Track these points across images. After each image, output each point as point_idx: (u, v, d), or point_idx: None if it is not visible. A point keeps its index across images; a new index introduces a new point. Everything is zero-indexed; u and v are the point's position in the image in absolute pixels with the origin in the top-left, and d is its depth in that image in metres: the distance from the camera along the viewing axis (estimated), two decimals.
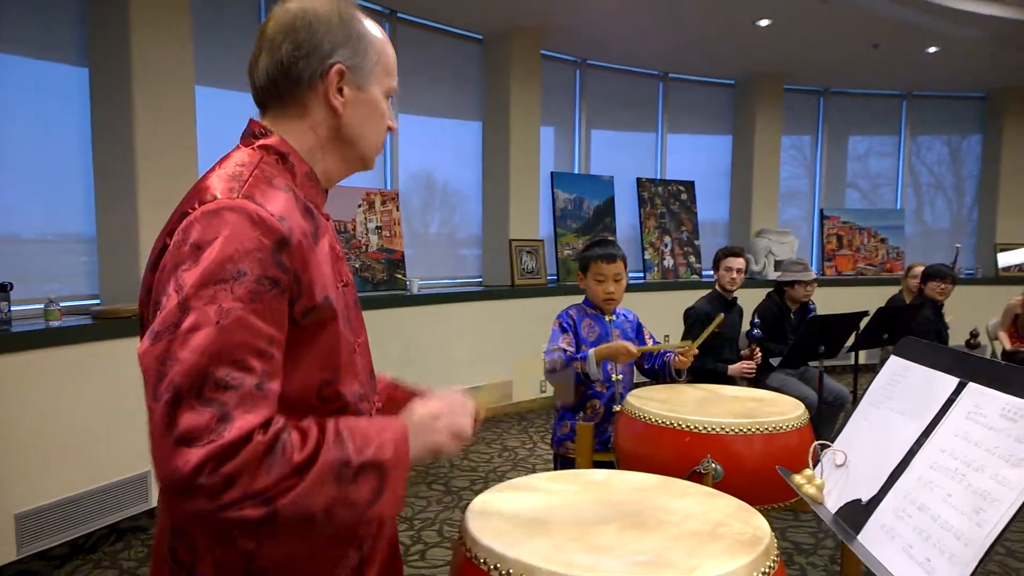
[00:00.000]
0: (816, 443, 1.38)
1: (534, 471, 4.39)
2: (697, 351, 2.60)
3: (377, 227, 5.18)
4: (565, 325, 2.60)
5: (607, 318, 2.66)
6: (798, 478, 1.35)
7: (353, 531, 1.12)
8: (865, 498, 1.20)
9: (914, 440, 1.18)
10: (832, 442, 1.41)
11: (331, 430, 1.00)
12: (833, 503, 1.27)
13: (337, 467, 0.97)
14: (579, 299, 2.77)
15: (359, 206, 5.10)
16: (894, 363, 1.38)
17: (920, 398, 1.24)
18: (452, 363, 5.26)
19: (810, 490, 1.31)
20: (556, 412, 2.70)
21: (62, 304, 3.34)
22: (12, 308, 3.16)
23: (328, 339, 1.07)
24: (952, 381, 1.18)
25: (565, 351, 2.50)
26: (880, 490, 1.18)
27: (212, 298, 0.93)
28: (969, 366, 1.17)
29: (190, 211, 1.00)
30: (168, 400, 0.90)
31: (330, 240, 1.14)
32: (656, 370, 2.71)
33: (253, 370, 0.94)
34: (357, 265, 4.99)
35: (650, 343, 2.75)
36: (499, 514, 1.28)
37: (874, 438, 1.29)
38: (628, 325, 2.72)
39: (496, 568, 1.12)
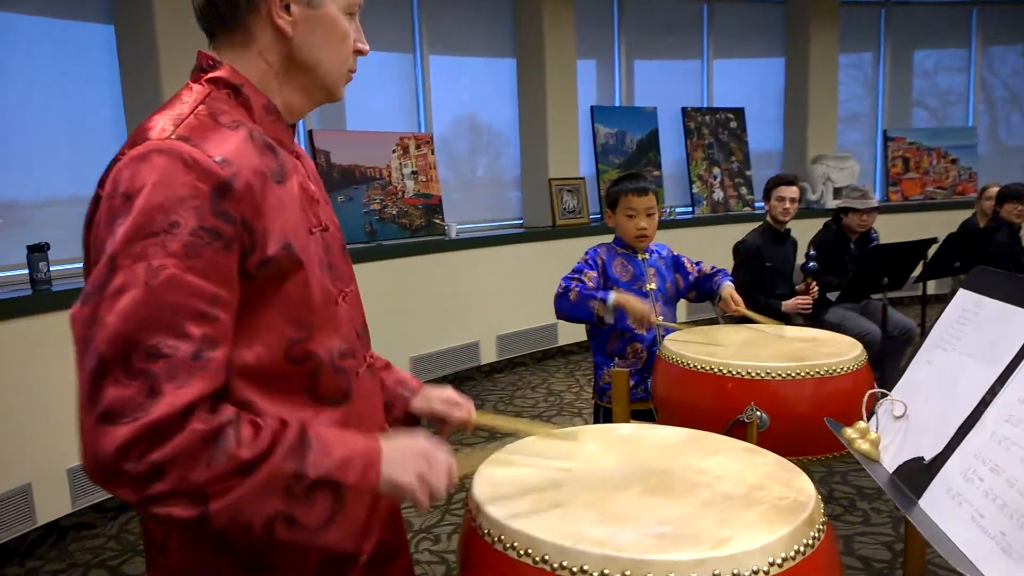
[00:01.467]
0: (871, 391, 1.21)
1: (580, 415, 4.28)
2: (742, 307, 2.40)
3: (413, 172, 5.04)
4: (592, 262, 2.42)
5: (640, 257, 2.48)
6: (850, 432, 1.18)
7: (296, 553, 0.98)
8: (928, 456, 1.03)
9: (987, 388, 1.01)
10: (891, 388, 1.23)
11: (292, 432, 0.88)
12: (890, 461, 1.11)
13: (289, 477, 0.85)
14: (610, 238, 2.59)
15: (393, 151, 4.96)
16: (964, 297, 1.19)
17: (995, 338, 1.05)
18: (493, 308, 5.16)
19: (863, 446, 1.14)
20: (593, 363, 2.55)
21: None
22: (51, 268, 3.17)
23: (294, 291, 0.94)
24: None
25: (582, 283, 2.32)
26: (946, 447, 1.01)
27: (141, 255, 0.81)
28: None
29: (120, 157, 0.87)
30: (91, 371, 0.80)
31: (300, 180, 1.01)
32: (706, 294, 2.53)
33: (189, 336, 0.82)
34: (394, 212, 4.88)
35: (692, 270, 2.56)
36: (509, 477, 1.15)
37: (939, 385, 1.11)
38: (663, 262, 2.54)
39: (500, 540, 0.99)
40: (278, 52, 0.98)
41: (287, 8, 0.96)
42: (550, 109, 5.62)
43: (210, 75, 0.97)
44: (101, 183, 0.89)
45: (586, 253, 2.46)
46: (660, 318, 2.38)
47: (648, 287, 2.44)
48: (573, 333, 5.65)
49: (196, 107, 0.92)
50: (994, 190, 5.02)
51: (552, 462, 1.21)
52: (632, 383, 2.31)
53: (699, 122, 6.67)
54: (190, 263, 0.83)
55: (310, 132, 4.52)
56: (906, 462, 1.07)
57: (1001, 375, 0.99)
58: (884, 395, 1.20)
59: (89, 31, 3.61)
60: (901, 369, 1.24)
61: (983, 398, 1.00)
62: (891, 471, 1.09)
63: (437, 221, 5.08)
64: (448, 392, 1.27)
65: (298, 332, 0.95)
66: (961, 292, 1.20)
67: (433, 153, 5.14)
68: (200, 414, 0.82)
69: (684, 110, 6.62)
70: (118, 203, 0.84)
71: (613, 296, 2.25)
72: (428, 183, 5.10)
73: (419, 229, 4.99)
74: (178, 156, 0.85)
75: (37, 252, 3.11)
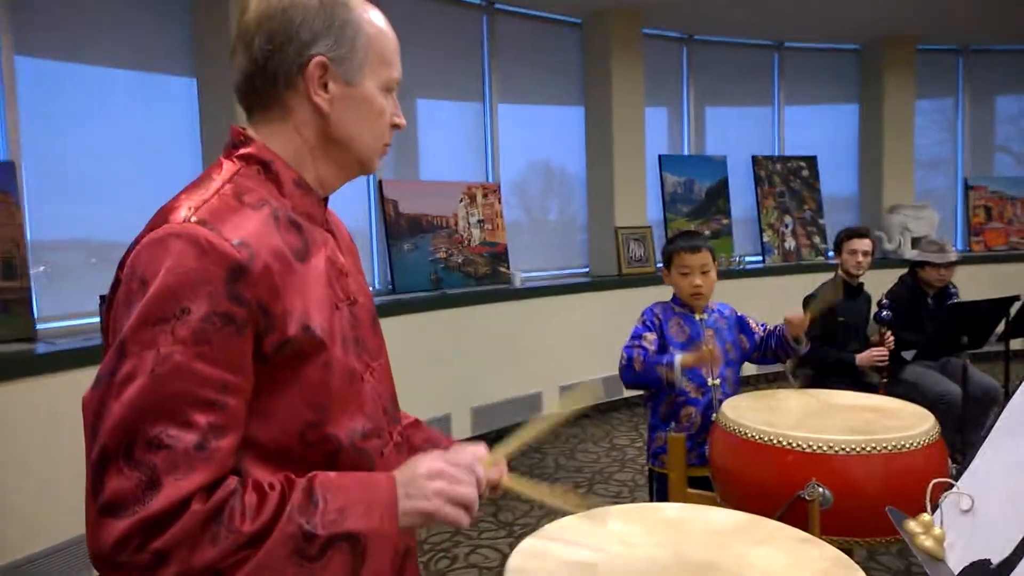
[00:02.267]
0: (935, 480, 1.15)
1: (641, 473, 4.18)
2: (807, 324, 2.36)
3: (479, 221, 5.10)
4: (649, 323, 2.40)
5: (697, 316, 2.43)
6: (913, 525, 1.12)
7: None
8: (996, 559, 0.96)
9: None
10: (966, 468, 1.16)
11: (299, 491, 0.86)
12: (956, 561, 1.04)
13: (299, 540, 0.83)
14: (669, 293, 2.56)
15: (460, 200, 5.04)
16: None
17: None
18: (556, 358, 5.13)
19: (927, 542, 1.08)
20: (648, 425, 2.50)
21: None
22: None
23: (313, 373, 0.93)
24: None
25: (644, 349, 2.30)
26: (1016, 551, 0.94)
27: (150, 342, 0.81)
28: None
29: (140, 240, 0.89)
30: (96, 460, 0.80)
31: (329, 254, 1.01)
32: (773, 350, 2.47)
33: (194, 425, 0.82)
34: (460, 260, 4.94)
35: (758, 329, 2.50)
36: (543, 558, 1.13)
37: (1009, 479, 1.05)
38: (724, 323, 2.48)
39: None
40: (315, 128, 1.00)
41: (325, 86, 0.98)
42: (617, 158, 5.63)
43: (241, 151, 0.99)
44: (121, 266, 0.90)
45: (643, 314, 2.44)
46: (718, 380, 2.33)
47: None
48: None
49: (222, 186, 0.93)
50: None
51: (588, 549, 1.17)
52: (688, 448, 2.25)
53: (770, 170, 6.58)
54: (199, 350, 0.82)
55: (379, 182, 4.63)
56: (972, 564, 1.00)
57: None
58: (950, 485, 1.13)
59: (172, 83, 3.81)
60: (988, 428, 1.17)
61: None
62: (956, 572, 1.02)
63: (502, 269, 5.11)
64: (480, 451, 1.24)
65: (316, 415, 0.94)
66: None
67: (500, 202, 5.21)
68: (199, 496, 0.81)
69: (754, 158, 6.53)
70: (134, 287, 0.85)
71: (678, 361, 2.25)
72: (494, 231, 5.15)
73: (484, 277, 5.04)
74: (194, 240, 0.85)
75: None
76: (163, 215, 0.90)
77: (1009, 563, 0.94)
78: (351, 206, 4.60)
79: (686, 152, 6.42)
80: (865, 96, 6.95)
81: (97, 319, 3.24)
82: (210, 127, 3.81)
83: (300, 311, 0.91)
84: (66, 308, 3.36)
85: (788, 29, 6.45)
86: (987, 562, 0.97)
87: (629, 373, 2.32)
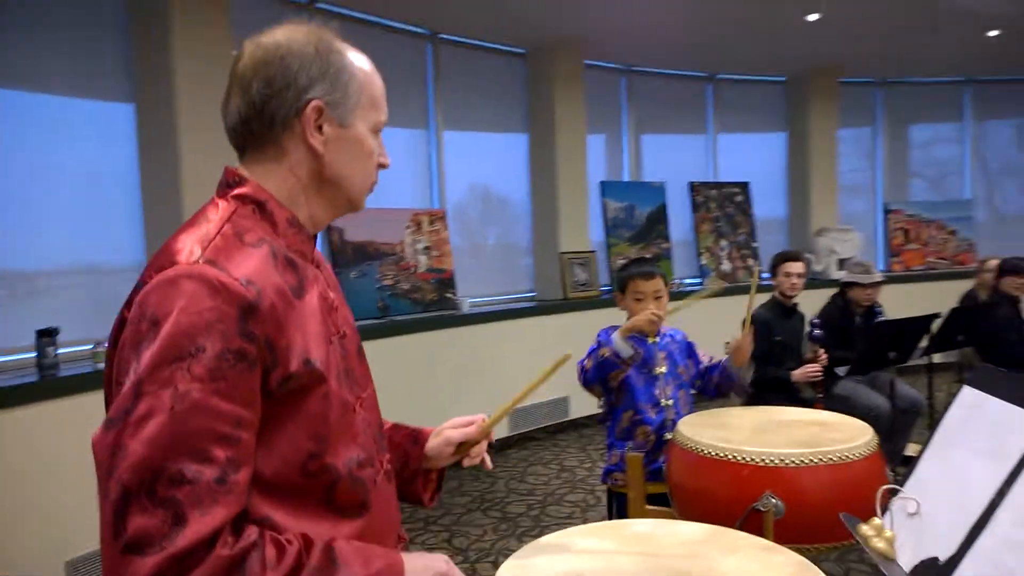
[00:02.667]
0: (884, 487, 1.25)
1: (592, 493, 4.27)
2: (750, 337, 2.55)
3: (426, 248, 5.15)
4: (604, 343, 2.49)
5: (650, 340, 2.53)
6: (865, 529, 1.22)
7: None
8: (943, 557, 1.07)
9: (995, 489, 1.05)
10: (916, 450, 1.28)
11: (317, 551, 0.90)
12: (906, 560, 1.14)
13: None
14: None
15: (407, 227, 5.08)
16: (968, 395, 1.24)
17: (1001, 438, 1.10)
18: (505, 381, 5.18)
19: (879, 544, 1.18)
20: (606, 444, 2.59)
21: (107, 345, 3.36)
22: (59, 352, 3.17)
23: (313, 406, 0.96)
24: None
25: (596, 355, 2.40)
26: (960, 548, 1.05)
27: (167, 380, 0.83)
28: None
29: (148, 280, 0.90)
30: (116, 499, 0.81)
31: (320, 290, 1.05)
32: (718, 384, 2.59)
33: (214, 460, 0.84)
34: (407, 287, 4.97)
35: (704, 359, 2.63)
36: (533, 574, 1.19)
37: (949, 484, 1.16)
38: (675, 347, 2.59)
39: None
40: (308, 168, 1.04)
41: (320, 128, 1.02)
42: (561, 183, 5.76)
43: (236, 192, 1.02)
44: (128, 305, 0.92)
45: (598, 335, 2.53)
46: (671, 401, 2.45)
47: (658, 370, 2.50)
48: (585, 406, 5.67)
49: (222, 226, 0.96)
50: (993, 263, 5.10)
51: (572, 561, 1.24)
52: (645, 467, 2.34)
53: (706, 196, 6.83)
54: (215, 386, 0.85)
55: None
56: (922, 562, 1.10)
57: (1008, 477, 1.04)
58: (896, 491, 1.24)
59: (110, 110, 3.73)
60: (921, 440, 1.28)
61: (992, 500, 1.04)
62: (908, 570, 1.12)
63: (449, 296, 5.17)
64: (454, 420, 1.30)
65: (316, 446, 0.97)
66: (965, 389, 1.26)
67: (446, 228, 5.27)
68: (224, 539, 0.83)
69: (692, 184, 6.78)
70: (144, 328, 0.86)
71: (616, 335, 2.35)
72: (441, 258, 5.21)
73: (431, 304, 5.08)
74: (205, 281, 0.87)
75: (46, 336, 3.09)
76: (167, 255, 0.92)
77: (954, 560, 1.05)
78: None
79: (626, 178, 6.62)
80: (792, 125, 7.31)
81: (32, 355, 3.17)
82: (149, 153, 3.75)
83: (301, 346, 0.95)
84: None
85: (720, 61, 6.75)
86: (935, 560, 1.08)
87: (585, 375, 2.42)
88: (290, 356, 0.93)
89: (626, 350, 2.33)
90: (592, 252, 5.97)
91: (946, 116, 7.83)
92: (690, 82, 6.97)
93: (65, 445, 3.02)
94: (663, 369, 2.50)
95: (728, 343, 2.68)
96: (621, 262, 6.13)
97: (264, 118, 1.01)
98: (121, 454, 0.82)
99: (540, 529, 3.81)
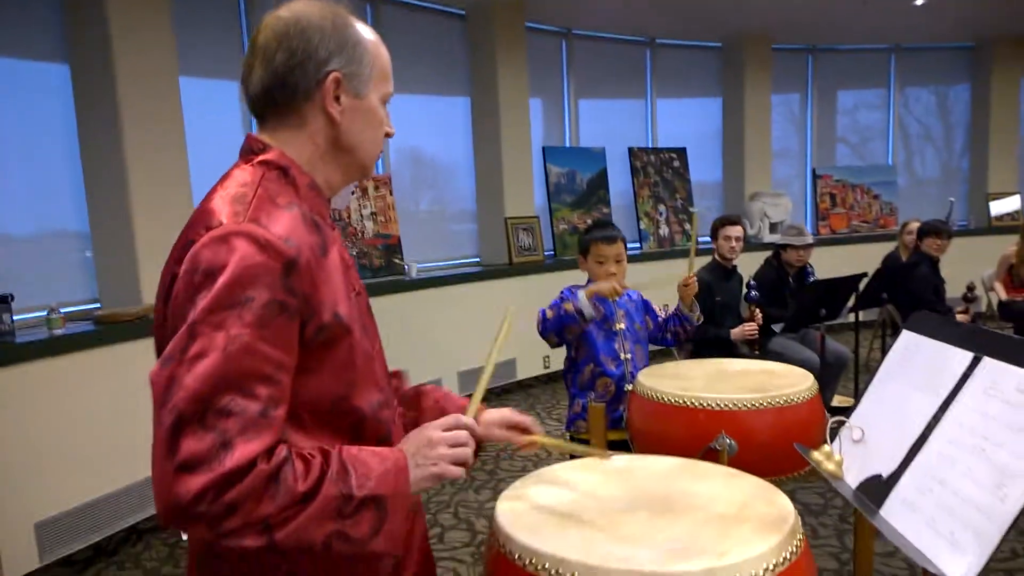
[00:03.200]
0: (834, 419, 1.41)
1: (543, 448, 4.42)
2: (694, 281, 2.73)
3: (372, 213, 5.16)
4: (567, 297, 2.61)
5: (610, 300, 2.66)
6: (817, 455, 1.38)
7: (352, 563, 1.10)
8: (885, 473, 1.23)
9: (931, 415, 1.21)
10: (841, 402, 1.44)
11: (335, 461, 1.00)
12: (853, 478, 1.30)
13: (339, 500, 0.97)
14: (575, 276, 2.79)
15: (352, 193, 5.08)
16: (906, 338, 1.40)
17: (935, 373, 1.26)
18: (454, 345, 5.29)
19: (829, 466, 1.34)
20: (568, 394, 2.73)
21: (62, 310, 3.33)
22: (14, 318, 3.14)
23: (342, 354, 1.06)
24: (967, 356, 1.21)
25: (560, 308, 2.51)
26: (900, 465, 1.21)
27: (220, 324, 0.92)
28: (983, 340, 1.20)
29: (196, 238, 0.99)
30: (170, 425, 0.90)
31: (339, 250, 1.13)
32: (672, 331, 2.76)
33: (258, 397, 0.93)
34: (355, 253, 4.99)
35: (661, 312, 2.78)
36: (527, 509, 1.30)
37: (891, 413, 1.32)
38: (632, 305, 2.74)
39: (531, 563, 1.14)
40: (326, 136, 1.11)
41: (337, 99, 1.10)
42: (505, 148, 5.81)
43: (261, 158, 1.09)
44: (176, 260, 1.00)
45: (562, 291, 2.64)
46: (629, 355, 2.59)
47: (617, 327, 2.64)
48: (532, 367, 5.83)
49: (256, 190, 1.03)
50: (914, 226, 5.43)
51: (563, 492, 1.36)
52: (607, 416, 2.49)
53: (645, 161, 7.00)
54: (262, 332, 0.94)
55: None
56: (867, 479, 1.26)
57: (943, 404, 1.20)
58: (843, 422, 1.40)
59: (43, 70, 3.62)
60: (853, 392, 1.44)
61: (928, 423, 1.20)
62: (854, 487, 1.28)
63: (396, 261, 5.21)
64: (507, 416, 1.36)
65: (344, 390, 1.07)
66: (905, 333, 1.42)
67: (392, 194, 5.29)
68: (262, 457, 0.93)
69: (631, 150, 6.93)
70: (199, 279, 0.95)
71: (582, 294, 2.47)
72: (387, 223, 5.23)
73: (379, 269, 5.11)
74: (253, 238, 0.96)
75: (1, 303, 3.05)
76: (209, 215, 1.01)
77: (896, 475, 1.20)
78: None
79: (567, 144, 6.72)
80: (727, 91, 7.52)
81: None
82: (87, 114, 3.65)
83: (330, 300, 1.04)
84: None
85: (658, 26, 6.88)
86: (879, 476, 1.24)
87: (546, 324, 2.52)
88: (322, 309, 1.02)
89: (589, 309, 2.46)
90: (536, 218, 6.07)
91: (872, 82, 8.18)
92: (629, 47, 7.08)
93: (27, 410, 3.01)
94: (622, 325, 2.64)
95: (667, 307, 2.85)
96: (564, 227, 6.30)
97: (287, 88, 1.07)
98: (176, 387, 0.90)
99: (496, 482, 3.95)
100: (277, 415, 0.96)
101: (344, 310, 1.06)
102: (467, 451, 1.13)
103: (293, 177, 1.10)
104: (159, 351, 1.05)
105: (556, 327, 2.51)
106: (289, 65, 1.06)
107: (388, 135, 1.20)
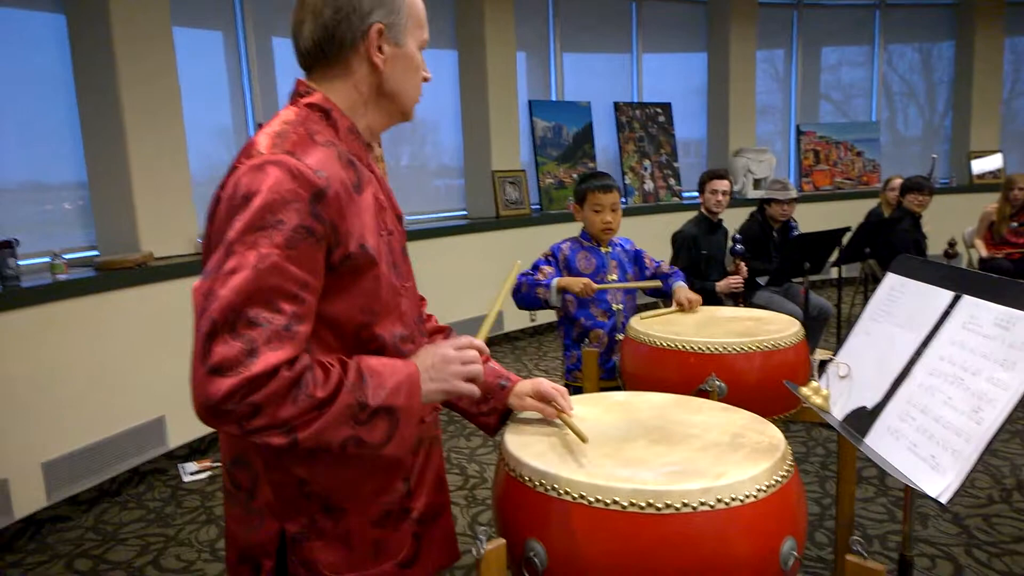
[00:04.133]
0: (822, 357, 1.50)
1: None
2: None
3: None
4: (552, 257, 2.67)
5: (603, 250, 2.73)
6: (805, 390, 1.47)
7: (399, 458, 1.22)
8: (870, 405, 1.32)
9: (914, 350, 1.30)
10: (824, 355, 1.53)
11: (352, 370, 1.08)
12: (839, 411, 1.39)
13: (355, 408, 1.05)
14: (569, 229, 2.84)
15: None
16: (891, 279, 1.49)
17: (918, 311, 1.35)
18: (441, 297, 5.32)
19: (817, 400, 1.43)
20: (562, 345, 2.81)
21: (64, 257, 3.37)
22: (19, 263, 3.19)
23: (367, 284, 1.14)
24: (947, 295, 1.29)
25: (532, 276, 2.59)
26: (884, 397, 1.30)
27: (253, 244, 1.01)
28: (963, 280, 1.28)
29: (238, 166, 1.08)
30: (205, 332, 0.98)
31: (374, 191, 1.20)
32: (661, 292, 2.81)
33: (283, 311, 1.01)
34: None
35: (651, 266, 2.84)
36: (534, 437, 1.38)
37: (875, 350, 1.41)
38: (625, 256, 2.80)
39: (541, 484, 1.22)
40: (369, 83, 1.19)
41: (380, 48, 1.17)
42: (492, 102, 5.82)
43: (306, 100, 1.18)
44: (222, 186, 1.09)
45: (551, 248, 2.70)
46: (620, 306, 2.67)
47: (609, 277, 2.71)
48: (518, 320, 5.91)
49: (297, 127, 1.12)
50: (897, 182, 5.53)
51: (560, 427, 1.44)
52: (600, 364, 2.58)
53: (630, 116, 7.02)
54: (289, 253, 1.02)
55: (259, 125, 4.58)
56: (853, 410, 1.35)
57: (925, 339, 1.28)
58: (831, 360, 1.49)
59: (39, 20, 3.59)
60: (830, 342, 1.54)
61: (911, 358, 1.29)
62: (841, 418, 1.37)
63: None
64: (541, 386, 1.44)
65: (367, 317, 1.15)
66: (889, 275, 1.50)
67: (380, 146, 5.29)
68: (285, 365, 1.01)
69: (616, 104, 6.94)
70: (237, 203, 1.04)
71: (555, 282, 2.56)
72: None
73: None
74: (287, 167, 1.04)
75: (6, 248, 3.11)
76: (253, 147, 1.10)
77: (880, 405, 1.30)
78: (231, 151, 4.55)
79: (553, 98, 6.72)
80: (712, 46, 7.52)
81: None
82: (83, 63, 3.64)
83: (358, 232, 1.11)
84: None
85: None
86: (863, 407, 1.33)
87: (517, 297, 2.62)
88: (349, 239, 1.09)
89: (555, 302, 2.58)
90: (522, 171, 6.10)
91: (857, 39, 8.20)
92: (615, 1, 7.04)
93: (33, 352, 3.06)
94: (614, 276, 2.71)
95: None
96: (550, 181, 6.33)
97: (335, 41, 1.16)
98: (212, 297, 0.99)
99: None
100: (300, 330, 1.03)
101: (372, 243, 1.13)
102: (478, 368, 1.21)
103: (334, 120, 1.18)
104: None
105: (524, 304, 2.62)
106: (336, 19, 1.14)
107: (425, 80, 1.27)
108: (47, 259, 3.33)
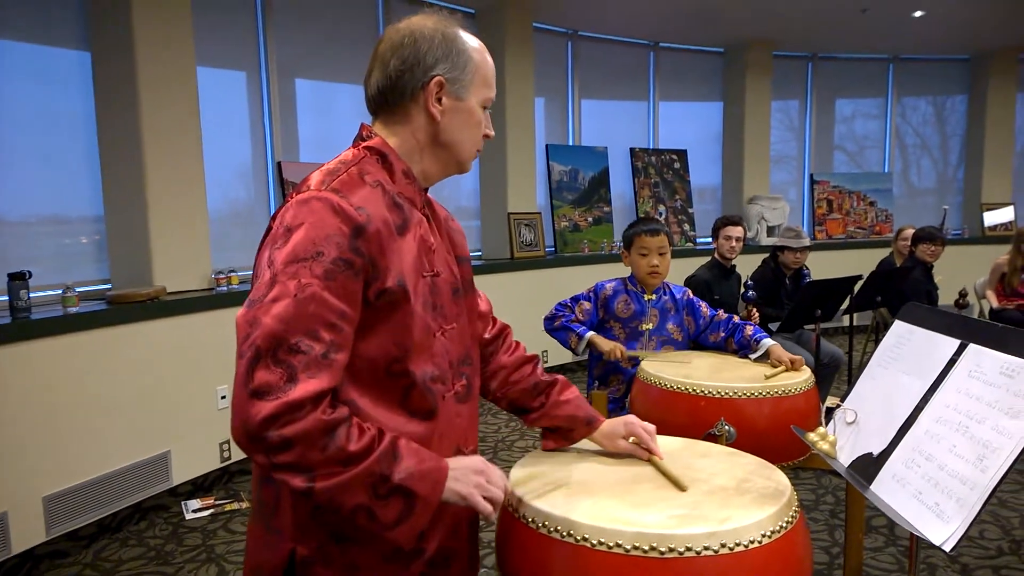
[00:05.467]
0: (827, 404, 1.49)
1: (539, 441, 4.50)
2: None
3: None
4: (592, 295, 2.66)
5: (647, 297, 2.71)
6: (812, 436, 1.46)
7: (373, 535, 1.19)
8: (876, 451, 1.31)
9: (920, 397, 1.30)
10: (834, 402, 1.52)
11: (387, 441, 1.10)
12: (846, 457, 1.38)
13: (377, 477, 1.07)
14: (583, 273, 2.85)
15: None
16: (899, 327, 1.49)
17: (924, 359, 1.35)
18: None
19: (824, 446, 1.42)
20: (587, 382, 2.80)
21: (76, 290, 3.39)
22: (31, 295, 3.20)
23: (400, 319, 1.17)
24: (954, 343, 1.29)
25: (568, 316, 2.59)
26: (890, 444, 1.29)
27: (294, 274, 1.06)
28: (969, 328, 1.28)
29: (289, 199, 1.14)
30: (249, 358, 1.03)
31: (422, 233, 1.24)
32: (735, 346, 2.61)
33: (322, 340, 1.06)
34: None
35: (706, 314, 2.70)
36: (539, 478, 1.38)
37: (882, 397, 1.40)
38: (672, 306, 2.73)
39: (544, 526, 1.22)
40: (426, 132, 1.25)
41: (439, 100, 1.23)
42: (509, 146, 5.90)
43: (367, 144, 1.25)
44: (273, 218, 1.16)
45: (595, 285, 2.69)
46: (627, 352, 2.66)
47: (644, 326, 2.69)
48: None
49: (350, 167, 1.19)
50: (909, 232, 5.53)
51: (571, 464, 1.45)
52: (609, 409, 2.57)
53: (646, 162, 7.09)
54: (328, 284, 1.07)
55: (278, 164, 4.67)
56: (859, 457, 1.35)
57: (931, 386, 1.28)
58: (838, 406, 1.48)
59: (65, 56, 3.68)
60: (837, 389, 1.53)
61: (917, 405, 1.28)
62: (847, 464, 1.37)
63: None
64: (632, 427, 1.48)
65: (399, 352, 1.18)
66: (897, 323, 1.50)
67: None
68: (323, 406, 1.04)
69: (632, 150, 7.02)
70: (281, 233, 1.10)
71: (588, 336, 2.56)
72: None
73: None
74: (329, 204, 1.10)
75: (18, 280, 3.13)
76: (304, 184, 1.17)
77: (886, 452, 1.29)
78: (249, 188, 4.63)
79: (570, 142, 6.81)
80: (728, 95, 7.62)
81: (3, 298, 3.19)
82: (105, 100, 3.72)
83: (396, 270, 1.15)
84: None
85: (662, 30, 6.97)
86: (869, 454, 1.32)
87: (548, 324, 2.64)
88: (387, 275, 1.14)
89: (581, 352, 2.61)
90: (538, 214, 6.15)
91: (871, 91, 8.29)
92: (634, 49, 7.17)
93: (39, 385, 3.07)
94: (650, 326, 2.68)
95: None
96: (564, 224, 6.38)
97: (397, 90, 1.23)
98: (256, 325, 1.04)
99: None
100: (338, 359, 1.08)
101: (410, 282, 1.17)
102: (499, 493, 1.22)
103: (391, 163, 1.24)
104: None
105: (555, 337, 2.67)
106: (400, 70, 1.22)
107: (487, 137, 1.32)
108: (59, 291, 3.36)
